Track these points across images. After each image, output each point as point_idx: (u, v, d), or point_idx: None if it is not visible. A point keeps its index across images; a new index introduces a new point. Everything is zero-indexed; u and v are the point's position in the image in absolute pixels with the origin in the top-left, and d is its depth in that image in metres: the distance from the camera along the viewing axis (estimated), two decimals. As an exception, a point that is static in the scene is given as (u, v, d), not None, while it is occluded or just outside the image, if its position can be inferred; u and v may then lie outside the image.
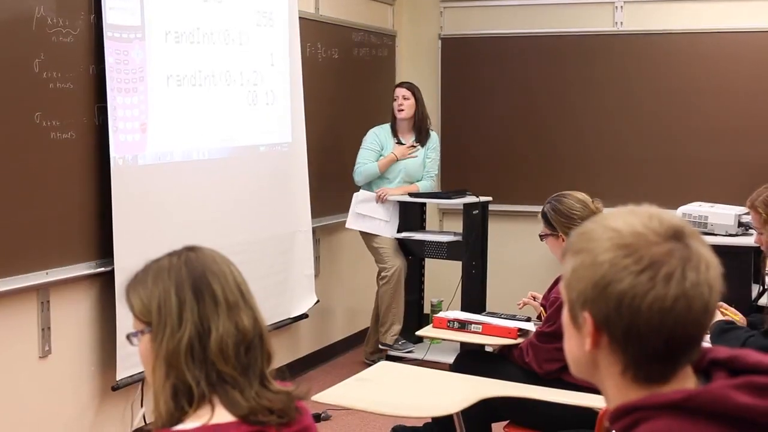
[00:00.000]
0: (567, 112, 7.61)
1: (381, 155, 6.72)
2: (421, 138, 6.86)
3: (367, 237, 6.81)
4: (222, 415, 1.85)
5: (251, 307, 1.96)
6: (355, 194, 6.83)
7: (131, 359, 4.87)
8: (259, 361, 1.93)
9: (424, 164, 6.90)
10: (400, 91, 6.77)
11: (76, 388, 4.88)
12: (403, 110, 6.73)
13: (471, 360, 4.44)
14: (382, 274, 6.81)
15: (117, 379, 4.89)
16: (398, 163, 6.75)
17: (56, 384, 4.74)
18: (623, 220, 1.55)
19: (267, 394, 1.91)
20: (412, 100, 6.74)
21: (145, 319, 1.92)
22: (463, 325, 4.48)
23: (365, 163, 6.72)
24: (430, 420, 4.34)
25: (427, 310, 7.44)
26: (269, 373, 1.95)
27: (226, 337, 1.88)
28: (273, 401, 1.90)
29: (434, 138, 6.95)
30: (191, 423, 1.84)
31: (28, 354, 4.59)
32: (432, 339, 6.96)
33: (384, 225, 6.78)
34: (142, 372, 4.86)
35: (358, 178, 6.78)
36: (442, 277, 7.29)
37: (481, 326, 4.42)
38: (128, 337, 1.95)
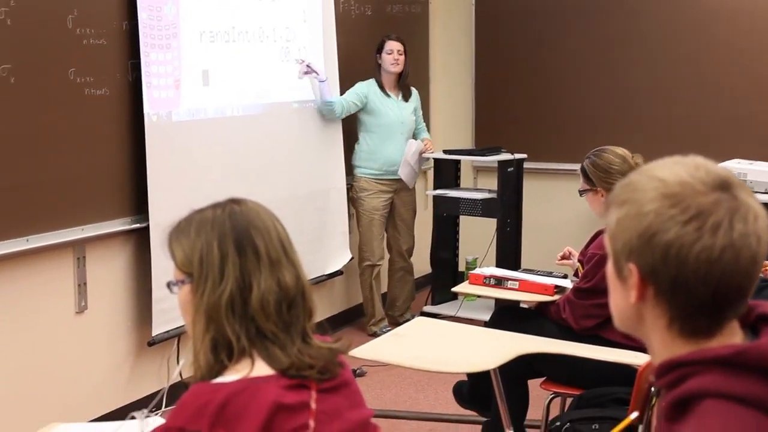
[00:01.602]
0: (604, 68, 7.50)
1: (360, 106, 6.46)
2: (406, 94, 6.74)
3: (360, 219, 6.67)
4: (262, 369, 1.83)
5: (294, 263, 1.94)
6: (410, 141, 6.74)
7: (167, 315, 4.90)
8: (300, 318, 1.92)
9: (416, 121, 6.81)
10: (395, 45, 6.54)
11: (112, 344, 4.91)
12: (399, 65, 6.59)
13: (507, 316, 4.41)
14: (360, 264, 6.72)
15: (153, 335, 4.92)
16: (396, 117, 6.55)
17: (92, 339, 4.77)
18: (669, 170, 1.52)
19: (309, 350, 1.89)
20: (404, 56, 6.61)
21: (187, 270, 1.91)
22: (499, 282, 4.46)
23: (341, 100, 6.34)
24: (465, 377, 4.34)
25: (461, 267, 7.42)
26: (310, 328, 1.94)
27: (268, 294, 1.87)
28: (315, 357, 1.89)
29: (416, 94, 6.83)
30: (230, 376, 1.83)
31: (64, 310, 4.62)
32: (466, 296, 6.95)
33: (411, 173, 6.70)
34: (177, 328, 4.94)
35: (322, 109, 6.26)
36: (477, 235, 7.25)
37: (517, 282, 4.39)
38: (169, 285, 1.94)
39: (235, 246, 1.88)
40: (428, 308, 6.98)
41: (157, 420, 2.36)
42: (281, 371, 1.84)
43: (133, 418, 2.36)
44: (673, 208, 1.46)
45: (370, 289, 6.65)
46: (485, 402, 4.30)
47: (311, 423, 1.82)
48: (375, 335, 6.21)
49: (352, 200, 6.65)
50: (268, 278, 1.88)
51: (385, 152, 6.55)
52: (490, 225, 6.83)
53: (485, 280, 4.48)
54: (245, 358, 1.85)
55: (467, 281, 4.66)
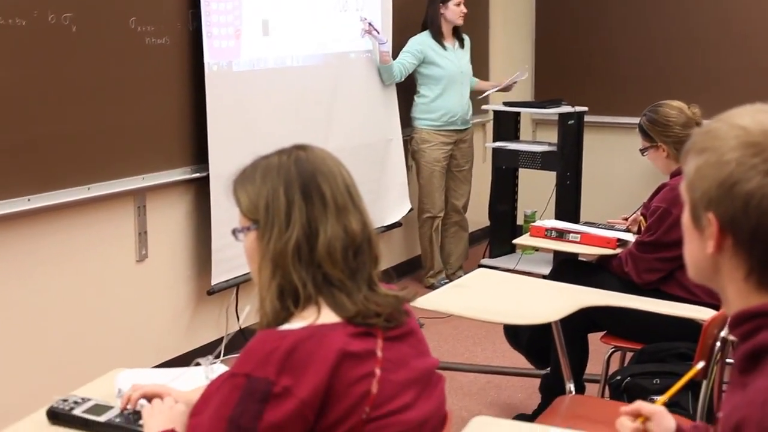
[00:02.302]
0: (666, 21, 7.36)
1: (417, 64, 6.43)
2: (461, 42, 6.68)
3: (421, 171, 6.63)
4: (328, 316, 1.82)
5: (360, 210, 1.92)
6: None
7: (226, 264, 4.92)
8: (367, 265, 1.90)
9: (470, 68, 6.77)
10: None
11: (172, 292, 4.94)
12: (463, 17, 6.53)
13: (568, 269, 4.36)
14: (420, 216, 6.70)
15: (212, 284, 4.94)
16: (455, 68, 6.50)
17: (152, 288, 4.81)
18: (751, 118, 1.48)
19: (375, 297, 1.88)
20: None
21: (252, 217, 1.89)
22: (561, 234, 4.42)
23: (399, 63, 6.35)
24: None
25: (519, 221, 7.38)
26: (376, 275, 1.92)
27: (335, 240, 1.85)
28: (381, 305, 1.87)
29: (468, 40, 6.76)
30: (297, 323, 1.82)
31: (125, 258, 4.65)
32: (524, 250, 6.93)
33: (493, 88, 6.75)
34: (236, 277, 4.96)
35: (383, 76, 6.32)
36: (535, 188, 7.20)
37: (579, 235, 4.35)
38: (234, 232, 1.93)
39: (302, 192, 1.86)
40: (486, 261, 6.96)
41: (221, 367, 2.36)
42: (347, 319, 1.82)
43: (198, 364, 2.36)
44: (755, 157, 1.42)
45: (429, 241, 6.63)
46: (543, 355, 4.28)
47: (377, 371, 1.81)
48: (432, 287, 6.21)
49: (413, 152, 6.62)
50: (335, 225, 1.86)
51: (445, 103, 6.49)
52: (548, 178, 6.78)
53: (547, 233, 4.45)
54: (311, 305, 1.84)
55: (528, 234, 4.63)
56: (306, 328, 1.79)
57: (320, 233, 1.85)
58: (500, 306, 3.48)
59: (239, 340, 2.42)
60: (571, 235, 4.38)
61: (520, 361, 4.62)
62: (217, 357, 4.19)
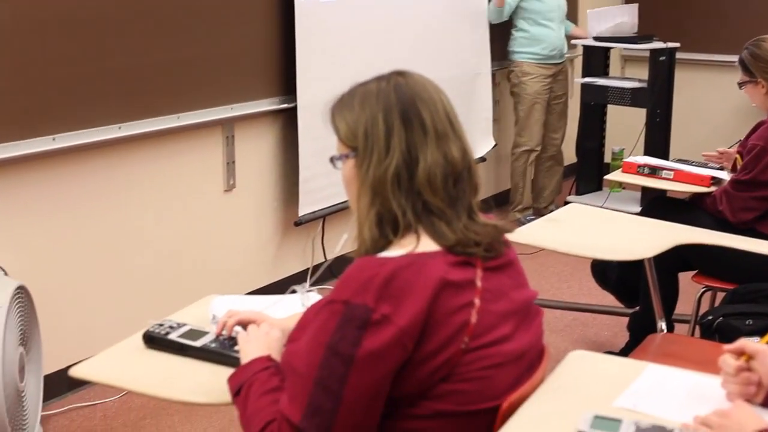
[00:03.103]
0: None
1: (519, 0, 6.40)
2: None
3: (519, 102, 6.57)
4: (427, 245, 1.80)
5: (460, 137, 1.88)
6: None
7: (313, 195, 4.93)
8: (467, 193, 1.87)
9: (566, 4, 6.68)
10: None
11: (259, 222, 4.97)
12: None
13: (661, 207, 4.28)
14: (514, 149, 6.65)
15: (299, 215, 4.95)
16: (554, 3, 6.43)
17: (240, 217, 4.83)
18: None
19: (474, 226, 1.85)
20: None
21: (351, 144, 1.87)
22: (653, 171, 4.33)
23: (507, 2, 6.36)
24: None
25: (607, 158, 7.27)
26: (476, 204, 1.89)
27: (435, 167, 1.82)
28: (480, 234, 1.84)
29: None
30: (395, 251, 1.80)
31: (213, 187, 4.68)
32: (612, 187, 6.84)
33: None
34: (323, 209, 4.97)
35: (492, 16, 6.38)
36: (623, 125, 7.08)
37: (672, 172, 4.26)
38: (332, 160, 1.91)
39: (401, 118, 1.83)
40: (572, 198, 6.87)
41: (316, 295, 2.36)
42: (447, 247, 1.80)
43: (293, 291, 2.36)
44: None
45: (522, 175, 6.59)
46: (632, 293, 4.23)
47: (477, 301, 1.78)
48: (519, 223, 6.16)
49: (513, 86, 6.59)
50: (435, 152, 1.83)
51: (546, 38, 6.45)
52: (636, 115, 6.66)
53: (639, 169, 4.37)
54: (410, 233, 1.82)
55: (620, 170, 4.55)
56: (405, 256, 1.76)
57: (420, 160, 1.81)
58: (593, 241, 3.43)
59: (325, 272, 2.40)
60: (664, 171, 4.30)
61: (606, 298, 4.58)
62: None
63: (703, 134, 7.22)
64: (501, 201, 6.78)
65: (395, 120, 1.83)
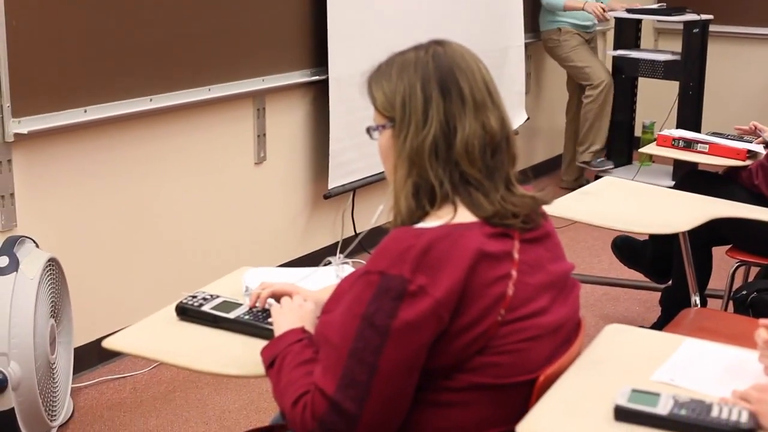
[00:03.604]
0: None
1: None
2: None
3: (568, 56, 6.57)
4: (465, 216, 1.78)
5: (499, 107, 1.86)
6: None
7: (343, 168, 4.91)
8: (505, 164, 1.85)
9: None
10: None
11: (289, 195, 4.96)
12: None
13: (695, 180, 4.23)
14: (588, 92, 6.60)
15: (329, 188, 4.94)
16: None
17: (270, 190, 4.83)
18: None
19: (512, 198, 1.83)
20: None
21: (388, 114, 1.84)
22: (688, 144, 4.29)
23: None
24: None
25: (637, 132, 7.21)
26: (514, 176, 1.87)
27: (473, 137, 1.79)
28: (518, 205, 1.82)
29: None
30: (432, 222, 1.78)
31: (244, 159, 4.67)
32: (642, 161, 6.78)
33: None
34: (353, 182, 4.96)
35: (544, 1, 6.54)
36: (654, 98, 7.02)
37: (707, 146, 4.22)
38: (368, 130, 1.89)
39: (439, 88, 1.81)
40: (594, 168, 6.81)
41: (350, 267, 2.34)
42: (484, 219, 1.78)
43: (328, 263, 2.35)
44: None
45: (601, 108, 6.60)
46: (666, 269, 4.20)
47: (514, 273, 1.76)
48: (589, 165, 6.65)
49: (551, 50, 6.65)
50: (473, 122, 1.80)
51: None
52: (668, 88, 6.60)
53: (674, 142, 4.33)
54: (448, 204, 1.80)
55: (654, 143, 4.50)
56: (442, 226, 1.75)
57: (458, 130, 1.79)
58: (627, 215, 3.40)
59: (357, 246, 2.39)
60: (699, 145, 4.25)
61: (637, 273, 4.54)
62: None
63: (735, 108, 7.15)
64: (531, 175, 6.74)
65: (433, 90, 1.81)
